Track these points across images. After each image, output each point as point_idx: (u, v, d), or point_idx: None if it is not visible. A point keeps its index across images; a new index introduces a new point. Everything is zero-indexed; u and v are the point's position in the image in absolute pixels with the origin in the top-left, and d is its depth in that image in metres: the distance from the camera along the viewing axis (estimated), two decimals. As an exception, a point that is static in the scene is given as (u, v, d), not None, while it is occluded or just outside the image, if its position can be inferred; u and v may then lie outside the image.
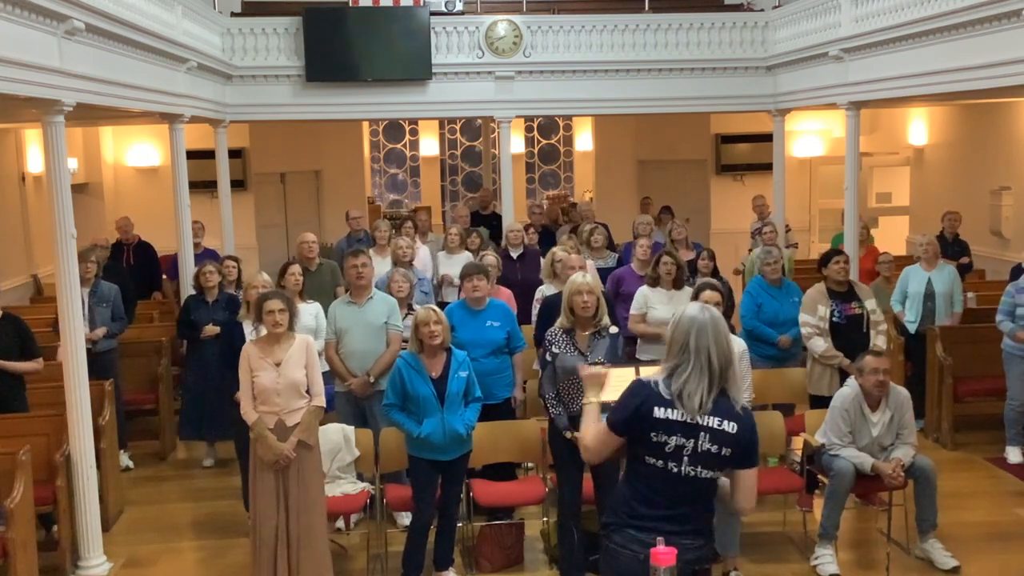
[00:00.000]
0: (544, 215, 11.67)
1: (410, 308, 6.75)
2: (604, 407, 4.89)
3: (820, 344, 6.74)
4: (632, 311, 7.16)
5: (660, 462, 3.35)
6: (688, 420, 3.32)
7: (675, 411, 3.33)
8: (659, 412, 3.33)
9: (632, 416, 3.36)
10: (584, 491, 5.47)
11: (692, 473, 3.35)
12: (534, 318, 7.84)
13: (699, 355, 3.32)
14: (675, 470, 3.34)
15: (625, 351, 5.74)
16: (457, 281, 7.47)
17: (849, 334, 6.73)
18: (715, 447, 3.34)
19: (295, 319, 5.47)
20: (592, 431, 3.51)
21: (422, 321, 5.49)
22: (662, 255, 7.20)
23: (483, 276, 6.51)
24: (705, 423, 3.33)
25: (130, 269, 9.76)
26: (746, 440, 3.40)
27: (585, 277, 5.42)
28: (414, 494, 5.63)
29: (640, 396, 3.37)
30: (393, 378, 5.62)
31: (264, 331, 5.42)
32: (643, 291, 7.17)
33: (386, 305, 6.58)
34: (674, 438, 3.33)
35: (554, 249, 7.62)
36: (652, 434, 3.33)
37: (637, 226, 9.79)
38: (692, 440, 3.33)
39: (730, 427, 3.35)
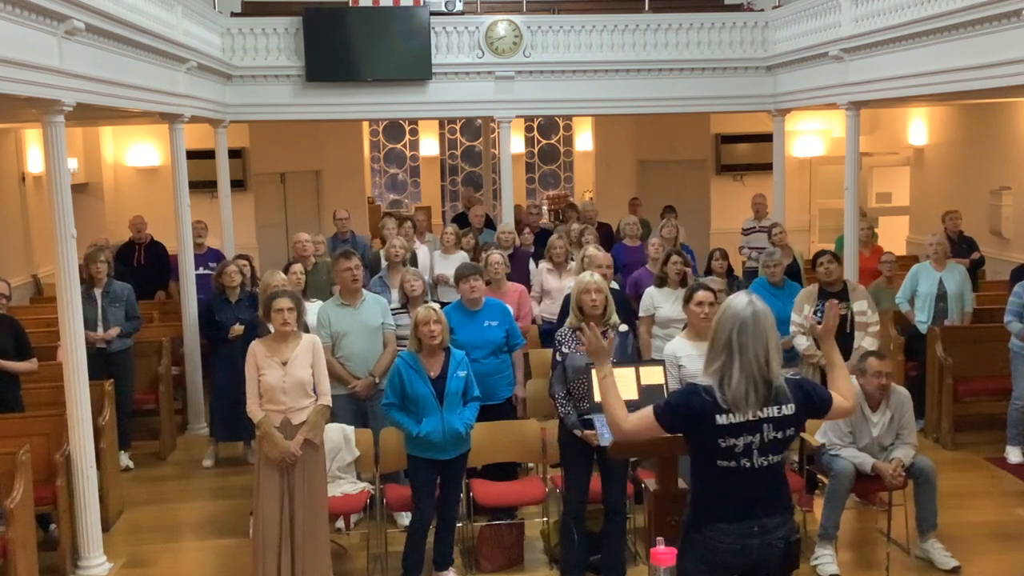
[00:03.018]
0: (543, 215, 11.67)
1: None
2: (601, 407, 4.92)
3: (802, 342, 6.81)
4: (640, 313, 7.16)
5: (733, 463, 3.39)
6: (750, 418, 3.36)
7: (735, 415, 3.35)
8: (721, 419, 3.35)
9: (689, 420, 3.38)
10: (590, 490, 5.47)
11: (765, 463, 3.42)
12: (537, 315, 7.85)
13: (743, 354, 3.33)
14: (748, 465, 3.40)
15: (635, 349, 5.75)
16: (452, 281, 7.46)
17: None
18: (779, 433, 3.42)
19: (303, 318, 5.48)
20: (633, 416, 3.49)
21: (422, 320, 5.49)
22: (671, 255, 7.21)
23: (479, 276, 6.50)
24: (766, 415, 3.38)
25: (140, 268, 9.80)
26: (802, 405, 3.44)
27: (593, 276, 5.43)
28: (413, 494, 5.63)
29: (697, 403, 3.37)
30: (392, 378, 5.61)
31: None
32: (650, 291, 7.20)
33: (379, 306, 6.60)
34: (741, 439, 3.37)
35: (586, 247, 7.59)
36: (719, 440, 3.36)
37: (623, 227, 9.79)
38: (757, 435, 3.38)
39: (788, 409, 3.41)
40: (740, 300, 3.42)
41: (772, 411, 3.39)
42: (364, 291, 6.69)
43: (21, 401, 6.52)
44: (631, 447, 4.46)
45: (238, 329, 7.56)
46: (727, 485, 3.43)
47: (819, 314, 6.75)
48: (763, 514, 3.44)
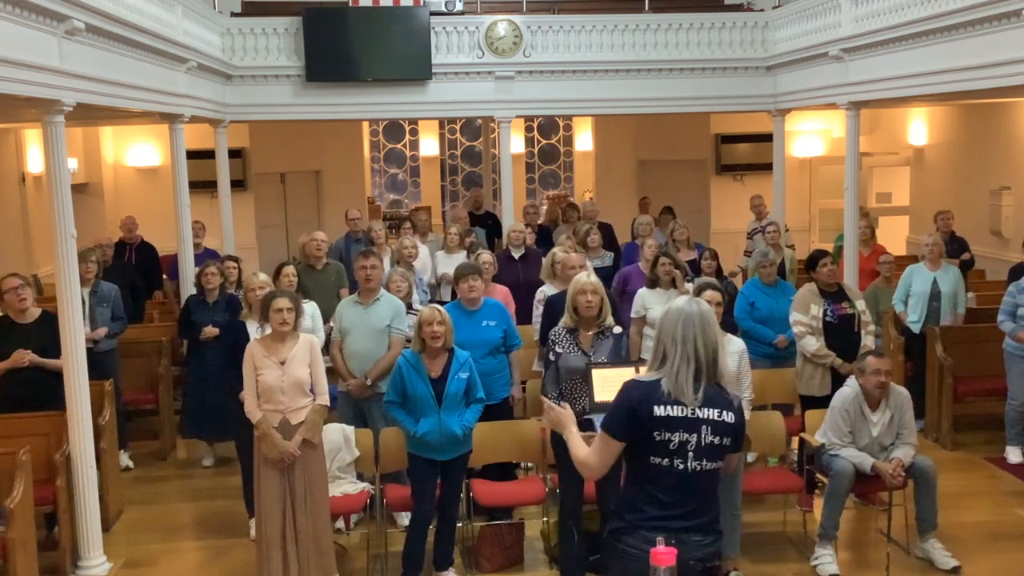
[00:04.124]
0: (541, 215, 11.70)
1: (410, 307, 6.74)
2: (605, 407, 4.93)
3: (812, 343, 6.73)
4: (632, 315, 7.16)
5: (665, 460, 3.34)
6: (688, 415, 3.32)
7: (675, 407, 3.32)
8: (659, 410, 3.31)
9: (630, 417, 3.34)
10: (585, 491, 5.47)
11: (699, 468, 3.36)
12: (536, 318, 7.84)
13: (685, 345, 3.33)
14: (681, 467, 3.34)
15: (629, 351, 5.74)
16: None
17: (842, 333, 6.73)
18: (717, 438, 3.37)
19: (300, 319, 5.48)
20: (586, 450, 3.47)
21: (425, 320, 5.50)
22: (660, 256, 7.21)
23: (478, 276, 6.50)
24: (705, 416, 3.34)
25: (131, 268, 9.78)
26: (741, 428, 3.47)
27: (589, 277, 5.43)
28: (413, 492, 5.65)
29: (635, 396, 3.36)
30: (394, 376, 5.64)
31: (269, 330, 5.44)
32: (642, 292, 7.18)
33: (391, 308, 6.52)
34: (677, 434, 3.32)
35: (554, 250, 7.63)
36: (655, 433, 3.32)
37: (637, 227, 9.84)
38: (695, 435, 3.34)
39: (728, 417, 3.38)
40: (682, 299, 3.48)
41: (712, 413, 3.35)
42: (384, 292, 6.63)
43: (64, 399, 6.50)
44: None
45: (211, 331, 7.56)
46: (656, 488, 3.35)
47: (828, 314, 6.76)
48: (684, 528, 3.35)
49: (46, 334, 6.38)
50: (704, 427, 3.34)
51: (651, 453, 3.34)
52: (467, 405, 5.63)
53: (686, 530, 3.34)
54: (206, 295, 7.76)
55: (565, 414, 3.61)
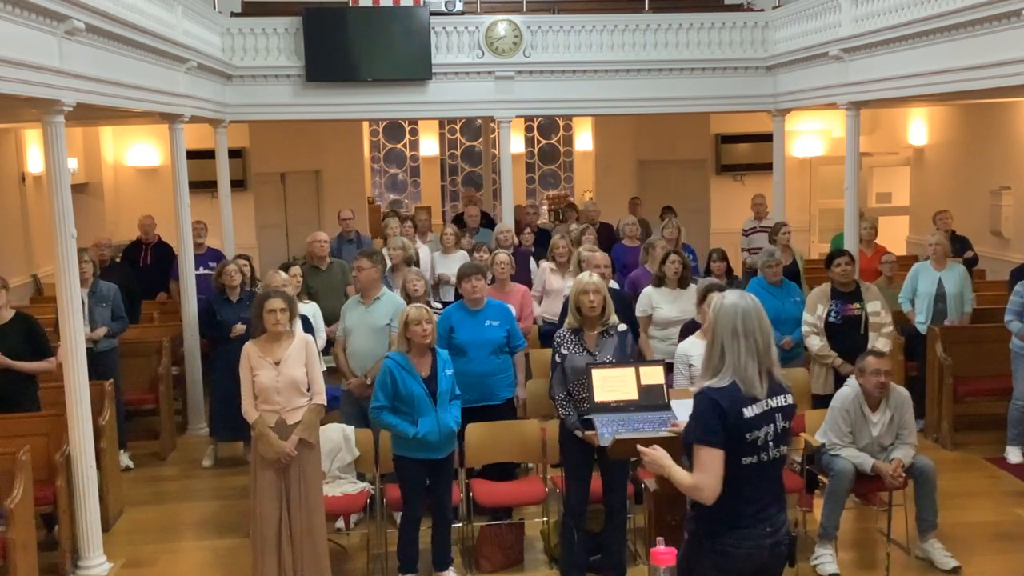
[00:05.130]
0: (541, 215, 11.69)
1: (429, 305, 6.73)
2: (604, 407, 4.92)
3: (816, 343, 6.79)
4: (638, 313, 7.11)
5: (755, 457, 3.42)
6: (765, 408, 3.42)
7: (756, 404, 3.40)
8: (748, 412, 3.39)
9: (723, 425, 3.35)
10: (591, 490, 5.48)
11: (777, 454, 3.48)
12: (538, 315, 7.84)
13: (747, 339, 3.39)
14: (766, 458, 3.44)
15: (634, 349, 5.73)
16: (454, 280, 7.47)
17: (844, 334, 6.75)
18: (786, 423, 3.50)
19: (295, 319, 5.48)
20: (690, 477, 3.41)
21: (414, 320, 5.48)
22: (669, 254, 7.19)
23: (481, 276, 6.49)
24: (776, 404, 3.45)
25: (146, 268, 9.81)
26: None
27: (592, 276, 5.42)
28: (403, 493, 5.62)
29: (723, 403, 3.36)
30: (383, 380, 5.54)
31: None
32: (648, 291, 7.15)
33: (392, 307, 6.52)
34: (762, 430, 3.41)
35: (579, 249, 7.59)
36: (747, 435, 3.38)
37: (623, 227, 9.81)
38: (771, 425, 3.44)
39: (790, 399, 3.52)
40: (734, 294, 3.52)
41: (780, 400, 3.48)
42: (386, 291, 6.64)
43: (38, 401, 6.49)
44: (631, 447, 4.45)
45: (240, 328, 7.54)
46: (749, 486, 3.41)
47: (832, 315, 6.77)
48: (775, 512, 3.49)
49: (18, 336, 6.37)
50: (777, 415, 3.46)
51: (742, 455, 3.40)
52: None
53: (776, 513, 3.49)
54: (228, 293, 7.74)
55: (659, 454, 3.57)
